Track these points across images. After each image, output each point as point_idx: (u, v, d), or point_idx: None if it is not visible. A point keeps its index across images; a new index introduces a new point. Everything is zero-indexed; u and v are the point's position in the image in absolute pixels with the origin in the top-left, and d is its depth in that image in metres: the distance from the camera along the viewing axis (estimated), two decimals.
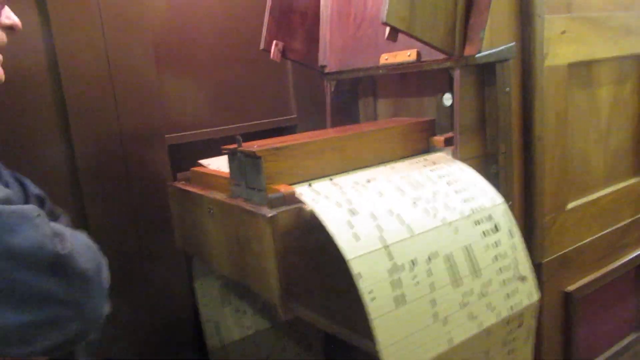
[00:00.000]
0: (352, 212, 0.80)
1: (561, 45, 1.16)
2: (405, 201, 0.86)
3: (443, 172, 0.96)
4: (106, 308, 0.73)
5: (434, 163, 0.99)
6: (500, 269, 0.89)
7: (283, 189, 0.87)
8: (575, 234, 1.26)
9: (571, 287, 1.25)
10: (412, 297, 0.77)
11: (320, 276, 0.91)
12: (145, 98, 1.26)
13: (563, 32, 1.16)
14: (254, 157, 0.91)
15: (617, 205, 1.36)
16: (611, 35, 1.27)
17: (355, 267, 0.73)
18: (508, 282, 0.90)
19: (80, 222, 1.18)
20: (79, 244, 0.71)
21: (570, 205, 1.24)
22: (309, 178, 0.95)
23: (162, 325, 1.33)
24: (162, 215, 1.26)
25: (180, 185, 1.14)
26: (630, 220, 1.40)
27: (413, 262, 0.79)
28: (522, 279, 0.92)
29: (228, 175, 1.00)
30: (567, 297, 1.25)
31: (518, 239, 0.93)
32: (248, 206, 0.89)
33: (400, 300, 0.76)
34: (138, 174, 1.27)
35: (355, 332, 0.81)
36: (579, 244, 1.27)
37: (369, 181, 0.89)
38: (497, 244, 0.90)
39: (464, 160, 1.04)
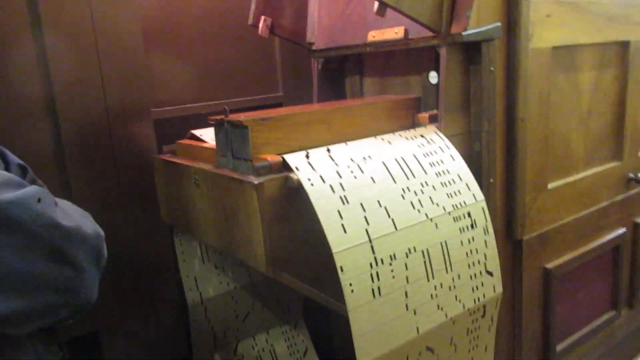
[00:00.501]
0: (344, 200, 0.82)
1: (546, 29, 1.17)
2: (395, 191, 0.88)
3: (435, 158, 0.98)
4: (96, 292, 0.72)
5: (429, 142, 1.01)
6: (470, 264, 0.94)
7: (270, 157, 0.88)
8: (555, 213, 1.28)
9: (550, 265, 1.28)
10: (388, 290, 0.82)
11: (306, 244, 0.92)
12: (131, 73, 1.25)
13: (548, 16, 1.17)
14: (241, 127, 0.91)
15: (595, 188, 1.39)
16: (595, 22, 1.29)
17: (339, 261, 0.77)
18: (475, 276, 0.94)
19: (65, 197, 1.17)
20: (82, 222, 0.71)
21: (551, 186, 1.26)
22: (295, 150, 0.96)
23: (145, 290, 1.33)
24: (148, 189, 1.26)
25: (166, 157, 1.15)
26: (608, 202, 1.44)
27: (392, 257, 0.83)
28: (490, 273, 0.96)
29: (214, 147, 1.01)
30: (547, 274, 1.28)
31: (491, 237, 0.97)
32: (235, 175, 0.90)
33: (376, 292, 0.80)
34: (124, 148, 1.26)
35: (337, 300, 0.82)
36: (559, 223, 1.30)
37: (365, 160, 0.90)
38: (471, 240, 0.94)
39: (447, 136, 1.06)
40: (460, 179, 0.97)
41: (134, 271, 1.30)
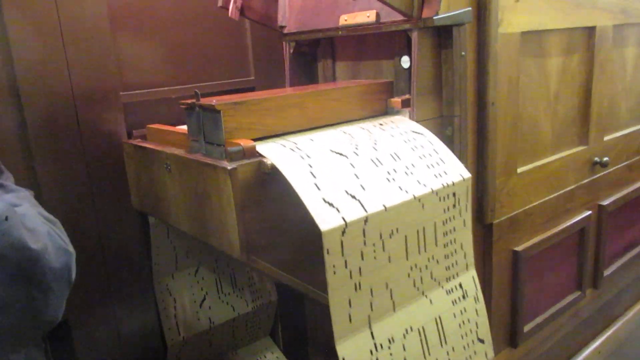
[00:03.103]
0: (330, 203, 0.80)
1: (515, 14, 1.19)
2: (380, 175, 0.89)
3: (417, 143, 0.99)
4: (63, 309, 0.70)
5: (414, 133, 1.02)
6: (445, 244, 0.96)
7: (243, 142, 0.87)
8: (524, 197, 1.31)
9: (519, 247, 1.31)
10: (369, 269, 0.83)
11: (279, 229, 0.92)
12: (97, 54, 1.21)
13: (517, 1, 1.19)
14: (213, 112, 0.90)
15: (563, 171, 1.42)
16: (562, 7, 1.31)
17: (326, 243, 0.76)
18: (450, 255, 0.97)
19: (31, 185, 1.14)
20: (50, 241, 0.67)
21: (520, 170, 1.29)
22: (268, 134, 0.96)
23: (121, 286, 1.31)
24: (118, 176, 1.24)
25: (137, 142, 1.12)
26: (575, 185, 1.47)
27: (380, 236, 0.84)
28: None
29: (186, 132, 0.99)
30: (516, 256, 1.30)
31: (469, 217, 0.99)
32: (207, 160, 0.89)
33: (356, 273, 0.81)
34: (92, 133, 1.23)
35: (311, 285, 0.83)
36: (528, 206, 1.32)
37: (347, 157, 0.89)
38: (451, 219, 0.96)
39: (419, 121, 1.06)
40: (445, 162, 0.98)
41: (103, 260, 1.27)
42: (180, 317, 1.39)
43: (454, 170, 0.97)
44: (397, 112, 1.10)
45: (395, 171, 0.89)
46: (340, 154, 0.87)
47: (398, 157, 0.92)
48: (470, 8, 1.07)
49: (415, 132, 1.00)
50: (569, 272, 1.54)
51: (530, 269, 1.35)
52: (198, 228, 0.97)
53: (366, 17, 1.10)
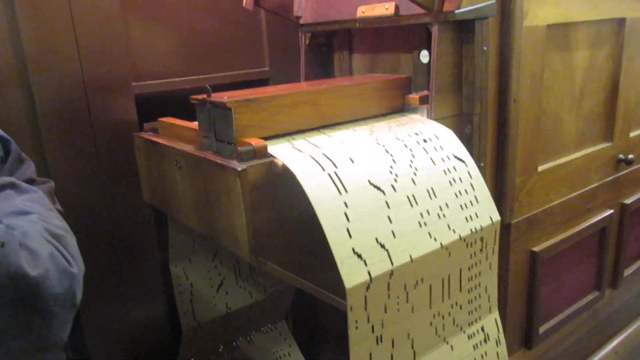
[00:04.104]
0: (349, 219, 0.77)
1: (541, 6, 1.13)
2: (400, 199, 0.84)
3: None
4: (68, 330, 0.67)
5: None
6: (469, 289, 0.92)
7: (254, 142, 0.84)
8: (544, 196, 1.27)
9: (538, 248, 1.27)
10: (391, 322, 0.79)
11: (289, 231, 0.89)
12: (109, 44, 1.19)
13: None
14: (224, 109, 0.87)
15: (585, 170, 1.38)
16: None
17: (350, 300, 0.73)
18: (473, 299, 0.93)
19: (42, 175, 1.13)
20: (52, 264, 0.64)
21: (541, 168, 1.24)
22: (280, 132, 0.93)
23: (131, 277, 1.31)
24: (128, 166, 1.23)
25: (147, 135, 1.11)
26: (597, 184, 1.42)
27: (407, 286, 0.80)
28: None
29: (197, 127, 0.97)
30: (534, 257, 1.27)
31: (495, 260, 0.95)
32: (217, 159, 0.87)
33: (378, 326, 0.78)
34: (102, 123, 1.22)
35: (322, 287, 0.80)
36: (548, 205, 1.28)
37: (384, 192, 0.83)
38: (477, 264, 0.92)
39: (438, 119, 1.03)
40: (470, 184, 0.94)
41: (113, 251, 1.27)
42: (196, 301, 1.37)
43: (485, 212, 0.92)
44: (414, 110, 1.06)
45: (428, 213, 0.84)
46: (379, 188, 0.81)
47: (434, 194, 0.87)
48: (494, 1, 1.02)
49: (457, 158, 0.94)
50: (587, 272, 1.50)
51: (548, 270, 1.32)
52: (207, 227, 0.95)
53: (385, 9, 1.06)
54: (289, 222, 0.89)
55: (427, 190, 0.86)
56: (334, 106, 0.99)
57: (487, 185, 1.08)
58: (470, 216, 0.89)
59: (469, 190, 0.92)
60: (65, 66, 1.15)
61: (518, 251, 1.24)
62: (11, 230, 0.61)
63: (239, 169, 0.80)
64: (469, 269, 0.90)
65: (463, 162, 0.94)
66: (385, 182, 0.82)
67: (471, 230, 0.88)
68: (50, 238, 0.66)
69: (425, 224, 0.83)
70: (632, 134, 1.52)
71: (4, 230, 0.60)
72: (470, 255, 0.90)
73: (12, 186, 0.73)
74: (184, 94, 1.21)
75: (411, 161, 0.88)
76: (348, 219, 0.75)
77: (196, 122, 0.98)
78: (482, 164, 1.07)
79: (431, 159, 0.91)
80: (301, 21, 1.26)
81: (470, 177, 0.93)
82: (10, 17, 1.08)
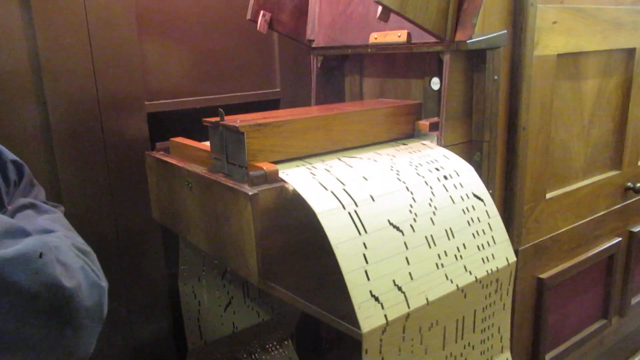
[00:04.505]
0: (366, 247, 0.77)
1: (552, 36, 1.15)
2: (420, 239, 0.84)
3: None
4: (94, 344, 0.68)
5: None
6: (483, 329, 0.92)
7: (265, 166, 0.85)
8: (552, 223, 1.27)
9: (545, 275, 1.27)
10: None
11: (298, 254, 0.90)
12: (124, 63, 1.21)
13: (554, 23, 1.14)
14: (236, 132, 0.89)
15: (593, 197, 1.38)
16: (601, 29, 1.26)
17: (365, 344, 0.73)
18: (486, 339, 0.93)
19: (53, 190, 1.15)
20: (84, 277, 0.65)
21: (549, 195, 1.25)
22: (292, 157, 0.94)
23: (137, 295, 1.31)
24: (139, 185, 1.24)
25: (159, 155, 1.12)
26: (605, 212, 1.42)
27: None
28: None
29: (208, 148, 0.98)
30: (540, 284, 1.26)
31: (509, 300, 0.95)
32: (229, 182, 0.88)
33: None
34: (115, 141, 1.23)
35: (332, 314, 0.81)
36: (555, 233, 1.28)
37: (403, 232, 0.83)
38: (491, 304, 0.92)
39: (447, 146, 1.03)
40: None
41: (120, 267, 1.27)
42: (203, 320, 1.37)
43: (502, 254, 0.92)
44: (424, 136, 1.07)
45: (445, 254, 0.84)
46: (398, 229, 0.81)
47: (452, 234, 0.87)
48: (505, 31, 1.04)
49: (476, 197, 0.94)
50: (595, 300, 1.50)
51: (555, 297, 1.32)
52: (216, 249, 0.96)
53: (397, 36, 1.07)
54: (298, 245, 0.90)
55: (446, 231, 0.86)
56: (345, 131, 1.00)
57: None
58: (487, 257, 0.89)
59: (487, 230, 0.91)
60: (81, 85, 1.17)
61: (525, 278, 1.24)
62: (48, 243, 0.62)
63: (250, 193, 0.81)
64: (483, 310, 0.90)
65: (482, 200, 0.94)
66: (405, 222, 0.82)
67: (487, 271, 0.88)
68: (78, 252, 0.68)
69: (442, 265, 0.83)
70: None
71: (42, 242, 0.60)
72: (485, 297, 0.90)
73: (32, 206, 0.74)
74: (196, 113, 1.23)
75: (431, 199, 0.87)
76: (367, 261, 0.75)
77: (207, 143, 0.99)
78: (490, 191, 1.07)
79: (451, 197, 0.90)
80: (313, 44, 1.28)
81: (489, 216, 0.93)
82: (29, 36, 1.10)
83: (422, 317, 0.79)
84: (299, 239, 0.88)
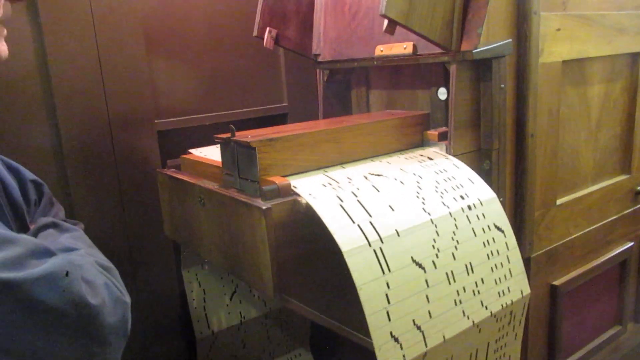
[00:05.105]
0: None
1: (556, 43, 1.15)
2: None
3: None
4: (120, 358, 0.69)
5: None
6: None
7: (278, 180, 0.86)
8: (563, 229, 1.27)
9: (558, 281, 1.26)
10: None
11: (312, 268, 0.90)
12: (134, 82, 1.23)
13: (558, 30, 1.15)
14: (248, 148, 0.89)
15: (604, 202, 1.38)
16: (604, 34, 1.27)
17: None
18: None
19: (66, 209, 1.15)
20: (108, 293, 0.66)
21: (560, 201, 1.25)
22: (302, 170, 0.95)
23: (149, 314, 1.31)
24: (150, 202, 1.25)
25: (170, 172, 1.13)
26: (616, 216, 1.42)
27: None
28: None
29: (220, 164, 0.99)
30: (554, 291, 1.26)
31: (521, 330, 0.95)
32: (242, 197, 0.88)
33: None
34: (126, 159, 1.25)
35: (347, 326, 0.81)
36: (567, 239, 1.28)
37: (425, 270, 0.82)
38: (504, 336, 0.93)
39: (456, 155, 1.04)
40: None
41: (134, 286, 1.28)
42: (209, 309, 1.36)
43: (517, 287, 0.92)
44: (433, 145, 1.08)
45: (464, 290, 0.84)
46: (420, 266, 0.80)
47: (472, 269, 0.86)
48: (510, 40, 1.04)
49: (498, 228, 0.93)
50: (609, 306, 1.49)
51: (568, 304, 1.31)
52: (230, 264, 0.96)
53: (403, 48, 1.08)
54: (310, 255, 0.90)
55: (466, 266, 0.86)
56: (355, 144, 1.00)
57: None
58: (503, 291, 0.89)
59: (504, 263, 0.91)
60: (91, 103, 1.19)
61: (538, 285, 1.24)
62: (72, 261, 0.63)
63: (264, 207, 0.82)
64: (496, 342, 0.91)
65: (502, 232, 0.93)
66: (427, 259, 0.82)
67: (502, 305, 0.88)
68: (101, 269, 0.69)
69: (460, 302, 0.83)
70: None
71: (67, 261, 0.62)
72: (499, 329, 0.90)
73: (53, 225, 0.76)
74: (205, 130, 1.24)
75: (454, 233, 0.87)
76: (389, 301, 0.75)
77: (216, 158, 1.00)
78: (501, 199, 1.08)
79: (473, 229, 0.89)
80: (319, 59, 1.29)
81: (507, 248, 0.93)
82: (41, 58, 1.12)
83: (439, 354, 0.79)
84: (311, 248, 0.88)
